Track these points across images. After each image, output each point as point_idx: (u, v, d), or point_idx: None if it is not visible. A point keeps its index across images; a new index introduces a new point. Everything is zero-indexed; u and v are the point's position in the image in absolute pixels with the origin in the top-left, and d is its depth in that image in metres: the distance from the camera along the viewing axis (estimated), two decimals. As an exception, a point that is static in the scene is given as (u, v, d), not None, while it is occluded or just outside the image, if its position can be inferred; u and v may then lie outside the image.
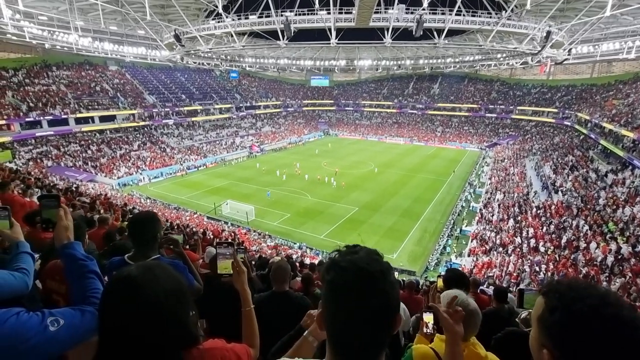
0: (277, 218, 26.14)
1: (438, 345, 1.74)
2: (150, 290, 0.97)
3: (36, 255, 2.58)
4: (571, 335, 0.76)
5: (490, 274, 16.07)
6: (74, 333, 1.21)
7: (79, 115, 38.85)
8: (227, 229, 23.15)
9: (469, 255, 19.83)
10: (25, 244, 1.69)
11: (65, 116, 37.61)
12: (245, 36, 32.56)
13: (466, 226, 24.35)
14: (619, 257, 14.22)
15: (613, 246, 14.86)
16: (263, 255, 11.73)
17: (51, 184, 16.11)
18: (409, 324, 4.18)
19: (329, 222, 25.07)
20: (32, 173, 20.75)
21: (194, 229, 16.22)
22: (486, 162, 42.50)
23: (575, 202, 20.90)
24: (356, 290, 0.80)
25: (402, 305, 3.74)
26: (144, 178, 35.90)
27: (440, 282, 3.64)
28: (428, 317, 2.15)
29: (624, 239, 15.12)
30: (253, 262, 7.84)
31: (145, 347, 0.95)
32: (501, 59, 40.44)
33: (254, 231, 23.72)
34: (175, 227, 13.16)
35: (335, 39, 26.39)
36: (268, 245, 20.62)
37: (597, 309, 0.75)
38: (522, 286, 14.46)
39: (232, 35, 27.94)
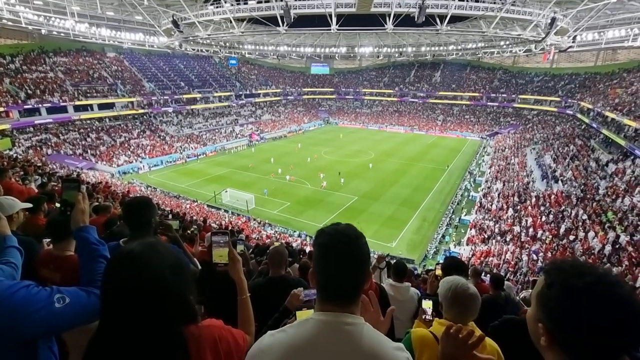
0: (277, 206, 26.22)
1: (437, 329, 1.76)
2: (154, 265, 0.99)
3: (47, 240, 2.59)
4: (564, 309, 0.79)
5: (488, 262, 16.20)
6: (78, 312, 1.24)
7: (77, 102, 38.42)
8: (227, 218, 23.25)
9: (467, 244, 19.96)
10: (12, 237, 1.69)
11: (63, 104, 37.23)
12: (245, 22, 31.93)
13: (465, 215, 24.42)
14: (617, 246, 14.30)
15: (611, 235, 14.92)
16: (260, 244, 11.80)
17: (51, 172, 16.09)
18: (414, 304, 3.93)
19: (329, 210, 25.14)
20: (32, 161, 20.70)
21: (194, 217, 16.27)
22: (487, 151, 42.33)
23: (575, 192, 20.90)
24: (339, 248, 1.06)
25: (413, 289, 3.71)
26: (143, 166, 35.88)
27: (438, 270, 3.65)
28: (427, 304, 2.15)
29: (622, 228, 15.18)
30: (251, 251, 7.88)
31: (147, 322, 0.96)
32: (504, 46, 39.94)
33: (254, 219, 23.82)
34: (175, 214, 13.21)
35: (336, 25, 25.98)
36: (268, 234, 20.74)
37: (592, 285, 0.77)
38: (519, 274, 14.62)
39: (231, 21, 27.49)
